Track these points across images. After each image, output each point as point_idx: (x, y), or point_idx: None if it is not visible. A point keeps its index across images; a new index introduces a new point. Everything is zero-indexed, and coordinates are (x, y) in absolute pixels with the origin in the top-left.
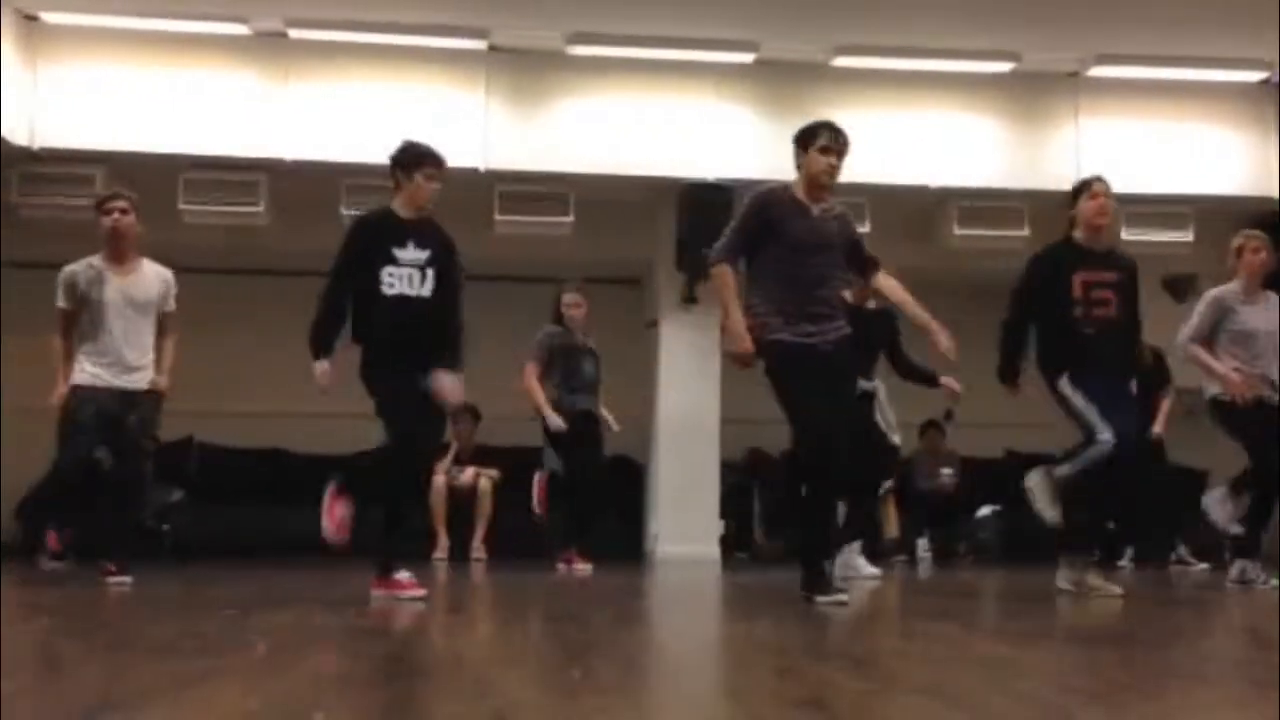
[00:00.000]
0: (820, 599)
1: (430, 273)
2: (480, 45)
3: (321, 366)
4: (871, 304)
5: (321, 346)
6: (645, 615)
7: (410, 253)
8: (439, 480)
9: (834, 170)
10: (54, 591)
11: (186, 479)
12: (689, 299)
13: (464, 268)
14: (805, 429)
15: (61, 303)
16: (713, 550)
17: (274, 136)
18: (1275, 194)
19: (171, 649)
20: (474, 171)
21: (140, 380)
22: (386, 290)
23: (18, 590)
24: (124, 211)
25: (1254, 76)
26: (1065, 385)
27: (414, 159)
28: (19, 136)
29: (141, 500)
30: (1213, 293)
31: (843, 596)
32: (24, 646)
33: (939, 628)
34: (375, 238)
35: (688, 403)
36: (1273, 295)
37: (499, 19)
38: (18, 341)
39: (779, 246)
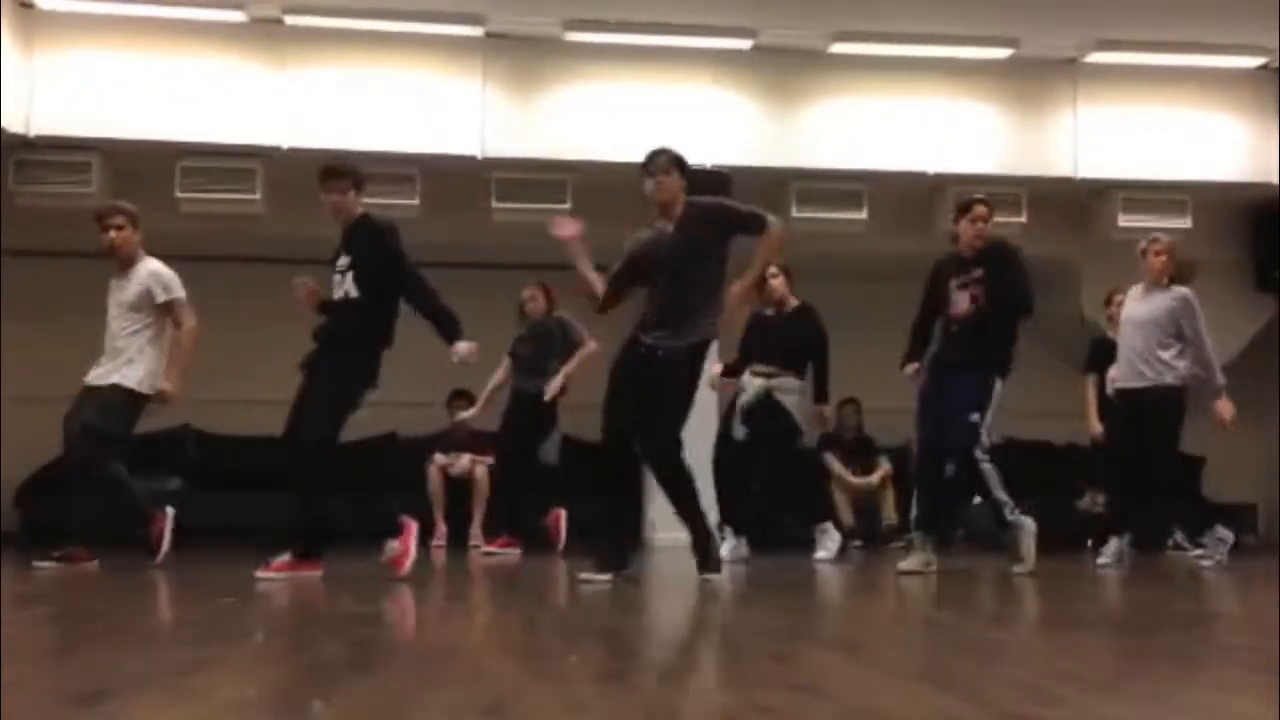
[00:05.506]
0: (582, 574)
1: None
2: (477, 32)
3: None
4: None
5: None
6: (642, 601)
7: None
8: (435, 469)
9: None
10: (51, 580)
11: (183, 467)
12: None
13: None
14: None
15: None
16: None
17: (270, 124)
18: (1275, 180)
19: (169, 637)
20: (471, 159)
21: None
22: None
23: (16, 579)
24: (119, 228)
25: (1253, 62)
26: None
27: None
28: (15, 124)
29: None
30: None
31: (604, 577)
32: (22, 634)
33: (934, 613)
34: None
35: None
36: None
37: (496, 5)
38: (17, 329)
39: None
